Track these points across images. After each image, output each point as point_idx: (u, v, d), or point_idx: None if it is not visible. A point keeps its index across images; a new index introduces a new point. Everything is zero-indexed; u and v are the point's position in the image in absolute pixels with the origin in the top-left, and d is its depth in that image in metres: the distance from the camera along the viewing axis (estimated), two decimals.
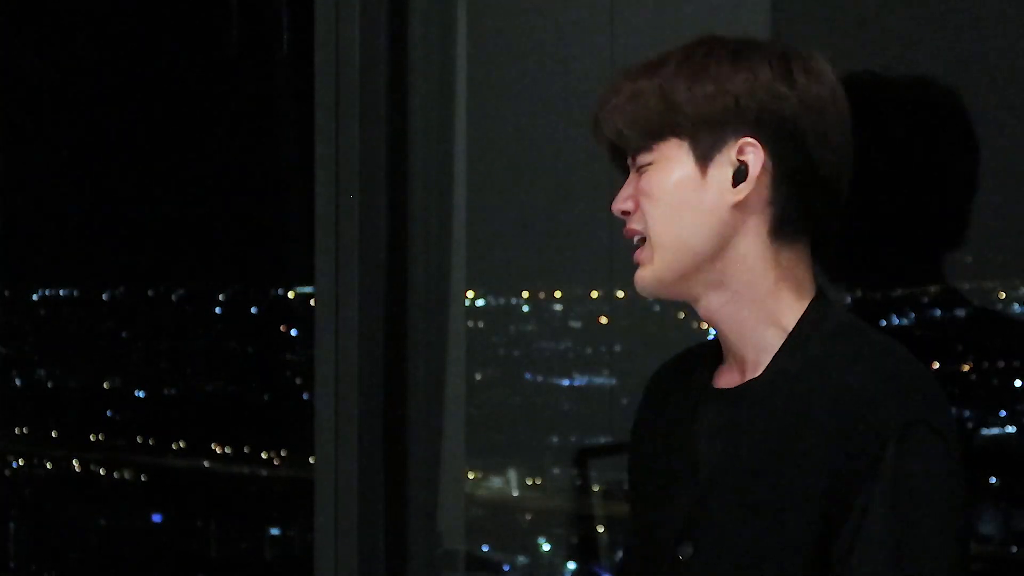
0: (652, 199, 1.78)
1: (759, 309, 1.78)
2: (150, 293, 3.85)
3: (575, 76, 2.68)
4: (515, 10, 2.86)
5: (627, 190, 1.81)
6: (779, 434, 1.71)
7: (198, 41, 3.58)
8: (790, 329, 1.77)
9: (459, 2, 2.74)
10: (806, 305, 1.78)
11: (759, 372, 1.77)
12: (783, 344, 1.76)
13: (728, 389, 1.80)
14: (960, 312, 2.25)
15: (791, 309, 1.77)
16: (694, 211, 1.76)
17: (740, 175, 1.75)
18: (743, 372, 1.80)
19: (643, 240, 1.80)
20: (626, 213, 1.81)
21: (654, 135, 1.77)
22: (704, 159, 1.76)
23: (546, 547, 3.01)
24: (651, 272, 1.80)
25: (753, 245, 1.77)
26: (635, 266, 1.82)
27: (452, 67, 2.72)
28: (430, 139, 2.68)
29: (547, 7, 2.83)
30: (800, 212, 1.77)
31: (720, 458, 1.76)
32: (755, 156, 1.74)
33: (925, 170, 2.14)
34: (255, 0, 3.52)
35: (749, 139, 1.74)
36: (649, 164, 1.78)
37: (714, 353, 1.86)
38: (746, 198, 1.75)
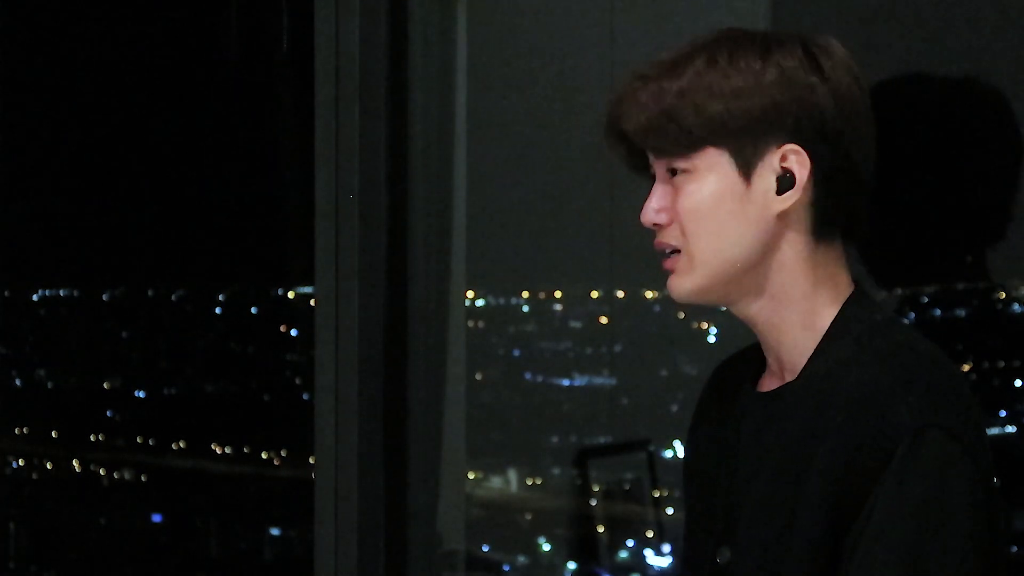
0: (693, 215, 1.73)
1: (797, 311, 1.75)
2: (150, 293, 3.85)
3: (575, 76, 2.68)
4: (515, 10, 2.86)
5: (659, 200, 1.75)
6: (800, 436, 1.70)
7: (198, 41, 3.58)
8: (825, 330, 1.74)
9: (459, 2, 2.74)
10: (841, 304, 1.75)
11: (796, 375, 1.75)
12: (817, 347, 1.74)
13: (766, 393, 1.79)
14: (960, 312, 2.25)
15: (827, 309, 1.75)
16: (738, 223, 1.72)
17: (785, 183, 1.71)
18: (782, 375, 1.78)
19: (676, 251, 1.76)
20: (658, 225, 1.77)
21: (690, 145, 1.72)
22: (747, 168, 1.71)
23: (546, 547, 3.01)
24: (690, 283, 1.75)
25: (793, 249, 1.74)
26: (664, 272, 1.78)
27: (452, 67, 2.72)
28: (430, 139, 2.68)
29: (547, 7, 2.83)
30: (838, 210, 1.74)
31: (753, 463, 1.75)
32: (800, 163, 1.71)
33: (925, 170, 2.14)
34: (255, 0, 3.52)
35: (793, 146, 1.70)
36: (685, 172, 1.73)
37: (762, 355, 1.84)
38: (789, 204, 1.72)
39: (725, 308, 1.80)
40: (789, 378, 1.76)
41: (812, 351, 1.74)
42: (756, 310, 1.77)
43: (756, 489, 1.73)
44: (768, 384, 1.80)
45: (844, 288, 1.76)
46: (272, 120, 3.38)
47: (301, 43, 2.67)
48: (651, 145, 1.75)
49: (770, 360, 1.80)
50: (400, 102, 2.61)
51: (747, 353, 1.88)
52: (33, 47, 3.83)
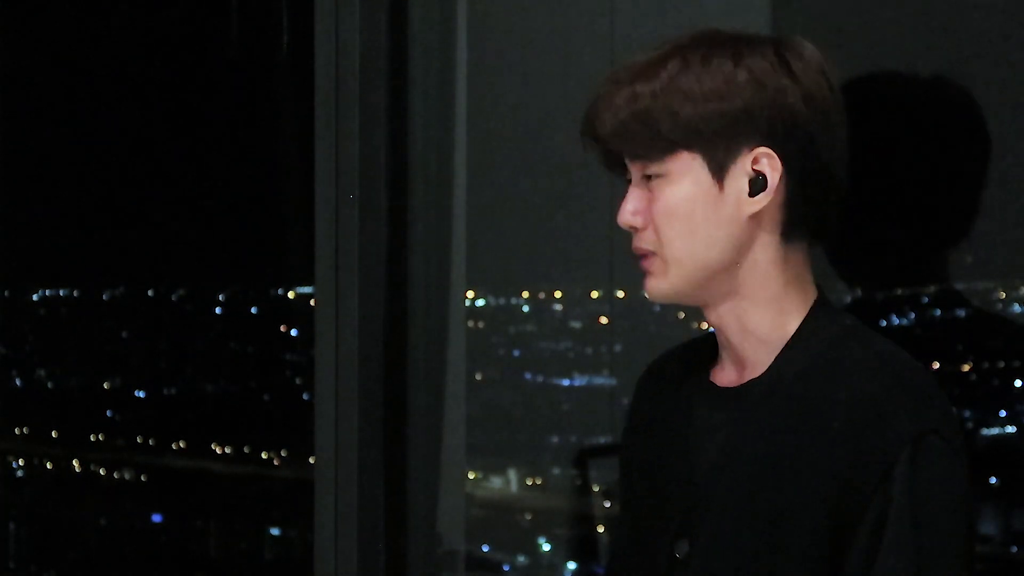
0: (668, 218, 1.74)
1: (767, 312, 1.76)
2: (150, 293, 3.85)
3: (575, 75, 2.68)
4: (515, 10, 2.86)
5: (635, 203, 1.77)
6: (784, 436, 1.71)
7: (198, 41, 3.58)
8: (793, 330, 1.76)
9: (459, 2, 2.74)
10: (809, 306, 1.77)
11: (759, 372, 1.76)
12: (786, 345, 1.75)
13: (728, 388, 1.80)
14: (960, 312, 2.25)
15: (796, 310, 1.77)
16: (712, 226, 1.74)
17: (757, 185, 1.73)
18: (742, 371, 1.79)
19: (652, 253, 1.77)
20: (634, 228, 1.78)
21: (664, 149, 1.73)
22: (720, 171, 1.73)
23: (546, 547, 3.01)
24: (667, 285, 1.77)
25: (765, 251, 1.76)
26: (640, 271, 1.79)
27: (452, 67, 2.72)
28: (430, 139, 2.68)
29: (547, 7, 2.83)
30: (809, 211, 1.75)
31: (719, 456, 1.75)
32: (771, 166, 1.72)
33: (925, 170, 2.14)
34: (255, 0, 3.52)
35: (764, 149, 1.72)
36: (659, 177, 1.75)
37: (708, 349, 1.85)
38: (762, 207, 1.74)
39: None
40: (751, 374, 1.77)
41: (779, 349, 1.76)
42: (726, 310, 1.78)
43: (726, 485, 1.74)
44: (724, 378, 1.81)
45: (810, 290, 1.79)
46: (272, 120, 3.38)
47: (301, 43, 2.67)
48: (624, 149, 1.76)
49: (727, 357, 1.81)
50: (400, 102, 2.61)
51: (687, 349, 1.90)
52: (33, 47, 3.83)
